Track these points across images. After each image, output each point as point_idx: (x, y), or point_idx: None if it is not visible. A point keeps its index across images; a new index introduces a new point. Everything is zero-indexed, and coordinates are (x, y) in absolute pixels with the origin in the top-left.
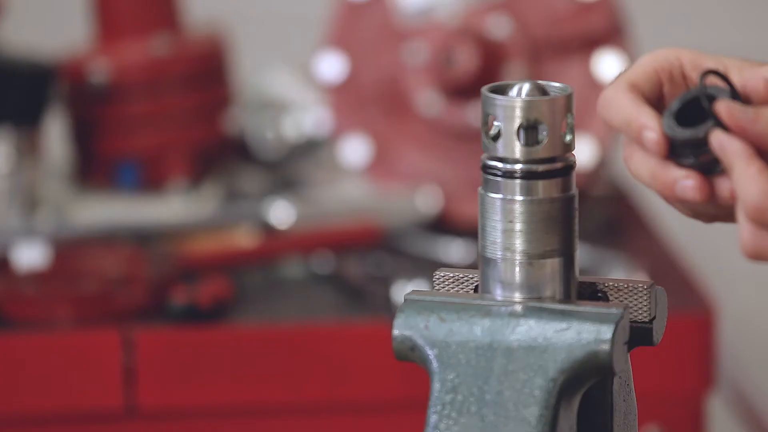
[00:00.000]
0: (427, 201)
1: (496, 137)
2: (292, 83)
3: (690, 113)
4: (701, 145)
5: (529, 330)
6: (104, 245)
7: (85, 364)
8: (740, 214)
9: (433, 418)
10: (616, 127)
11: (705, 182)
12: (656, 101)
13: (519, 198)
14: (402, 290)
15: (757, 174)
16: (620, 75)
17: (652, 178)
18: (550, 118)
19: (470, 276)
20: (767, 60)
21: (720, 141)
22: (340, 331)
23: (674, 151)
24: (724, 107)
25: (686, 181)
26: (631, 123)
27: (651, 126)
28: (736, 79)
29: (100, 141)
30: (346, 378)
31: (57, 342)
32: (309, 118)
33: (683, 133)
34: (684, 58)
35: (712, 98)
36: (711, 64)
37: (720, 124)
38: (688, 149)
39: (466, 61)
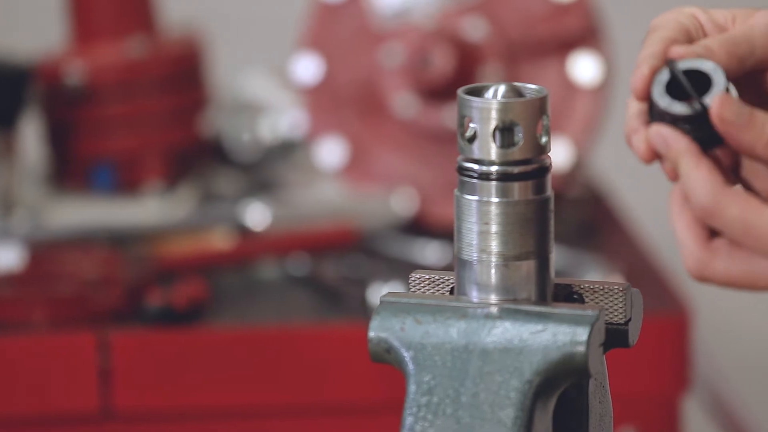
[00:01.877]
0: (402, 203)
1: (472, 139)
2: (268, 85)
3: (693, 79)
4: (676, 120)
5: (505, 332)
6: (80, 247)
7: (61, 366)
8: (681, 223)
9: (408, 420)
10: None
11: (651, 151)
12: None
13: (495, 200)
14: (378, 292)
15: (707, 174)
16: (657, 33)
17: (627, 118)
18: (525, 120)
19: (446, 278)
20: None
21: (663, 136)
22: (316, 332)
23: (653, 111)
24: (717, 105)
25: (637, 139)
26: (639, 58)
27: (641, 67)
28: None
29: (75, 143)
30: (322, 380)
31: (32, 344)
32: (285, 120)
33: (664, 104)
34: (699, 17)
35: (704, 76)
36: (720, 18)
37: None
38: (666, 118)
39: (441, 62)
